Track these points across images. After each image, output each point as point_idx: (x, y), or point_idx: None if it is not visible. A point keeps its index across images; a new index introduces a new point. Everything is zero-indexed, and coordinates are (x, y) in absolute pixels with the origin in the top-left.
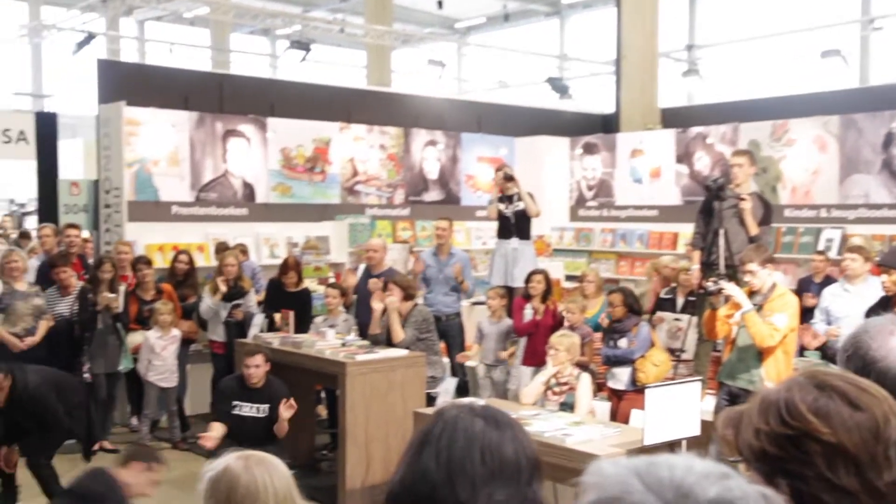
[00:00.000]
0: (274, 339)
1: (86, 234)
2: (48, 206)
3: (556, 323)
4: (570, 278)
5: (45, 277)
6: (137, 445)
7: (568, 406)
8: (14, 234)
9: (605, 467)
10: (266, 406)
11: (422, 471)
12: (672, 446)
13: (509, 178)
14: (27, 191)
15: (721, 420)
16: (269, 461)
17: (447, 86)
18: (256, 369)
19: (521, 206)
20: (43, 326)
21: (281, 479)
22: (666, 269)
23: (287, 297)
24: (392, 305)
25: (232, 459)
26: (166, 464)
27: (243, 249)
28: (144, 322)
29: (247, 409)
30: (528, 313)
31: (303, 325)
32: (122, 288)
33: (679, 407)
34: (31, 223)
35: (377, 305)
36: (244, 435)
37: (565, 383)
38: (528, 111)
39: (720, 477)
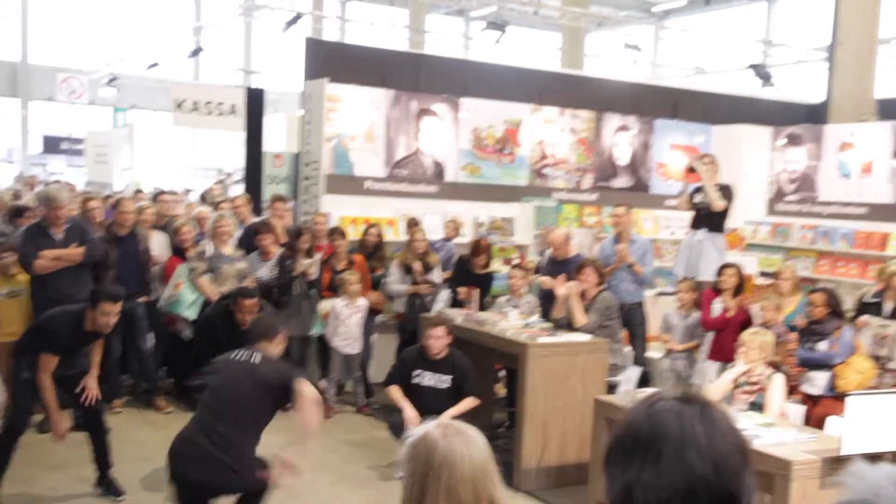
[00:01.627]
0: (458, 316)
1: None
2: (253, 177)
3: (747, 319)
4: (763, 275)
5: (248, 243)
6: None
7: (757, 406)
8: (222, 201)
9: (864, 470)
10: (448, 377)
11: (692, 472)
12: (873, 459)
13: (690, 170)
14: (234, 161)
15: None
16: (467, 432)
17: (642, 71)
18: (437, 341)
19: None
20: None
21: (478, 450)
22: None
23: (473, 278)
24: (572, 290)
25: (432, 427)
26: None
27: (456, 227)
28: (335, 290)
29: (428, 379)
30: (716, 307)
31: (482, 305)
32: (318, 257)
33: (883, 418)
34: (237, 192)
35: (562, 291)
36: (424, 403)
37: (755, 383)
38: (727, 98)
39: None
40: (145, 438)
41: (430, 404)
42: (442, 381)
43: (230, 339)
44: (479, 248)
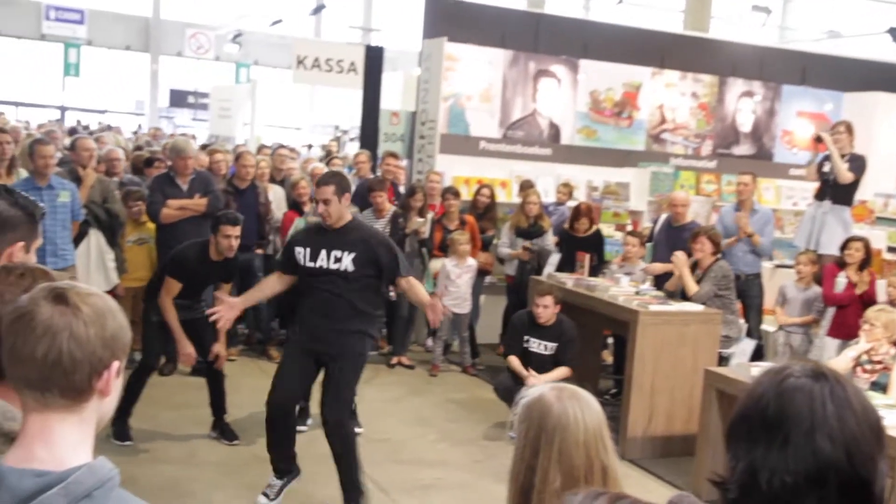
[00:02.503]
0: (568, 280)
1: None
2: (369, 134)
3: (871, 296)
4: (892, 250)
5: (362, 200)
6: None
7: (880, 387)
8: (334, 157)
9: None
10: (553, 345)
11: (823, 456)
12: None
13: (818, 140)
14: (351, 118)
15: None
16: (582, 396)
17: (769, 34)
18: (545, 309)
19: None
20: None
21: (592, 415)
22: None
23: (577, 242)
24: (680, 261)
25: (546, 389)
26: None
27: (570, 191)
28: (446, 250)
29: (534, 345)
30: (840, 282)
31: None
32: (430, 216)
33: None
34: (353, 148)
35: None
36: (531, 368)
37: (879, 362)
38: (861, 64)
39: None
40: (258, 386)
41: (535, 369)
42: (547, 347)
43: None
44: (580, 211)
